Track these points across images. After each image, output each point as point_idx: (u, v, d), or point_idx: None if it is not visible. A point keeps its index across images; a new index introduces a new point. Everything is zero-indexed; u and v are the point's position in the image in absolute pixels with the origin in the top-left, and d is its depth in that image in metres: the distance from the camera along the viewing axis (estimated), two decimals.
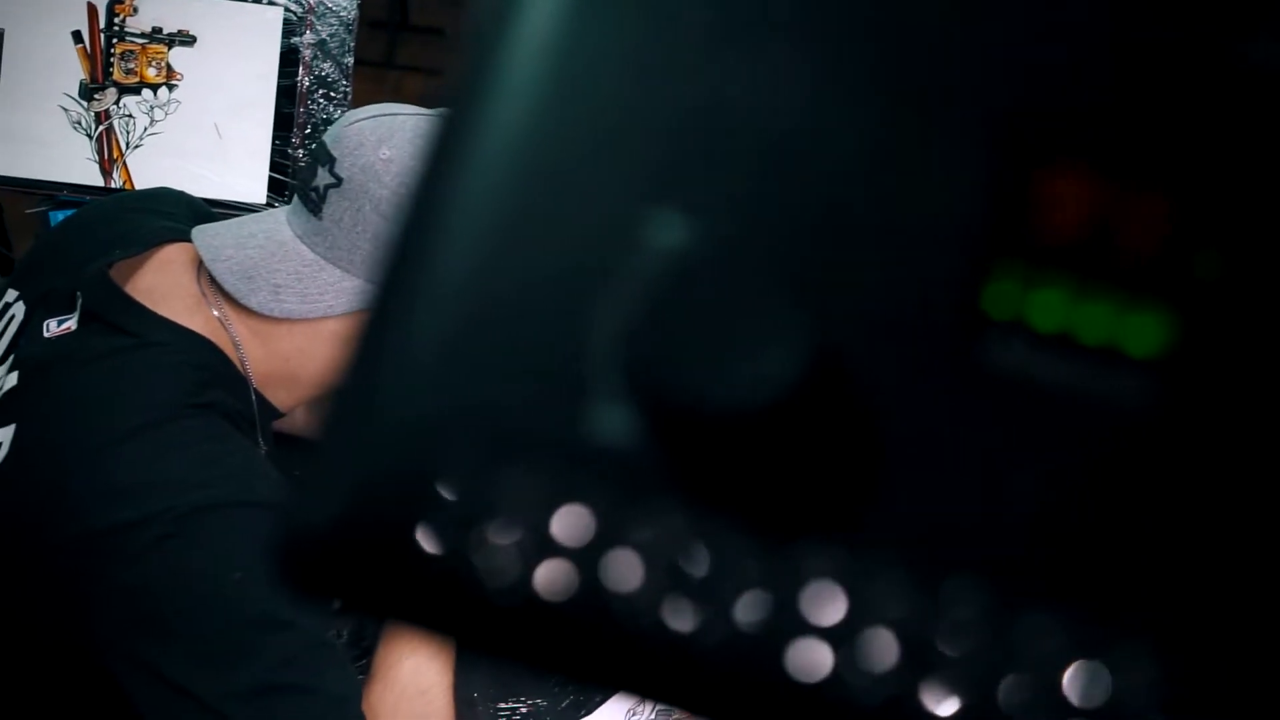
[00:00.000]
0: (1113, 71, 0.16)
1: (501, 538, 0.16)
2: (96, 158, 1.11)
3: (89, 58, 1.10)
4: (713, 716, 0.17)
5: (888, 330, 0.15)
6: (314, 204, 0.83)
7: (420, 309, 0.17)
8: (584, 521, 0.16)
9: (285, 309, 0.82)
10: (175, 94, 1.12)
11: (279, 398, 0.89)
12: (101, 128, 1.11)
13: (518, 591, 0.16)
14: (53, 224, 1.19)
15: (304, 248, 0.83)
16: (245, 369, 0.85)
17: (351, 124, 0.83)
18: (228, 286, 0.82)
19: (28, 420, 0.77)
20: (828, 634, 0.16)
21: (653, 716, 0.97)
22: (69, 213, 1.18)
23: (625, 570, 0.16)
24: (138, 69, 1.11)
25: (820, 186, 0.16)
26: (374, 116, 0.84)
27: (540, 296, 0.16)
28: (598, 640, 0.16)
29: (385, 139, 0.81)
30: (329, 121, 1.14)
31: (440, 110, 0.18)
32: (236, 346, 0.84)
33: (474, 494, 0.16)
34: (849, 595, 0.15)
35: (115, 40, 1.11)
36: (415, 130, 0.83)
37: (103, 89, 1.11)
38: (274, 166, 1.13)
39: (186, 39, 1.12)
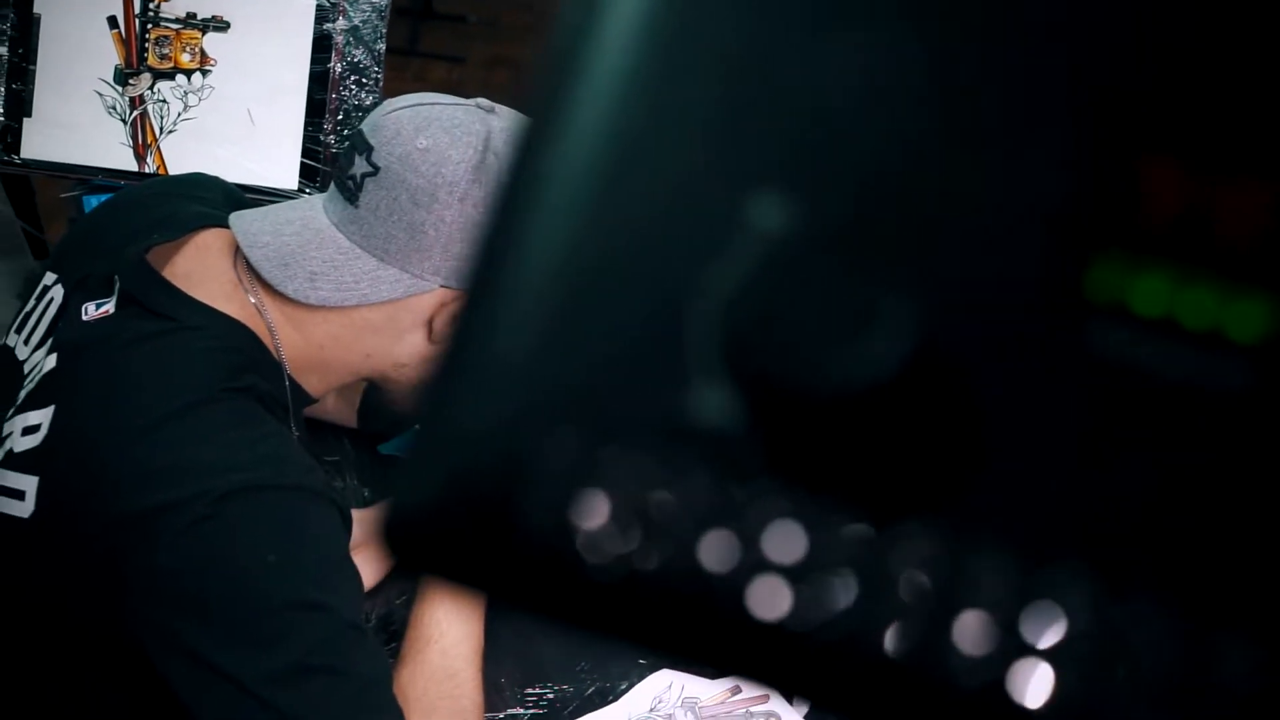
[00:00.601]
0: (1218, 58, 0.16)
1: (600, 517, 0.16)
2: (131, 143, 1.12)
3: (124, 43, 1.11)
4: (806, 697, 0.17)
5: (989, 314, 0.15)
6: (351, 192, 0.83)
7: (520, 290, 0.17)
8: (684, 502, 0.16)
9: (320, 296, 0.82)
10: (209, 79, 1.12)
11: (311, 383, 0.90)
12: (136, 113, 1.12)
13: (615, 570, 0.16)
14: (87, 208, 1.20)
15: (340, 235, 0.83)
16: (280, 354, 0.85)
17: (389, 113, 0.83)
18: (264, 273, 0.82)
19: (66, 402, 0.78)
20: (921, 616, 0.16)
21: (679, 702, 0.97)
22: (103, 197, 1.19)
23: (722, 551, 0.16)
24: (172, 54, 1.11)
25: (922, 169, 0.16)
26: (412, 106, 0.84)
27: (641, 278, 0.17)
28: (692, 619, 0.16)
29: (423, 128, 0.82)
30: (360, 108, 1.14)
31: (534, 93, 0.18)
32: (271, 332, 0.84)
33: (575, 473, 0.16)
34: (946, 580, 0.15)
35: (150, 26, 1.11)
36: (452, 120, 0.83)
37: (137, 74, 1.11)
38: (306, 152, 1.14)
39: (220, 24, 1.12)
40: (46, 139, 1.11)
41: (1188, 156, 0.16)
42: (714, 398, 0.16)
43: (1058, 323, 0.15)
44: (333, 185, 0.87)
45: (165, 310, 0.81)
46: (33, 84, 1.10)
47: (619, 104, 0.17)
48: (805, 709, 0.98)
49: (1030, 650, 0.15)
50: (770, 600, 0.16)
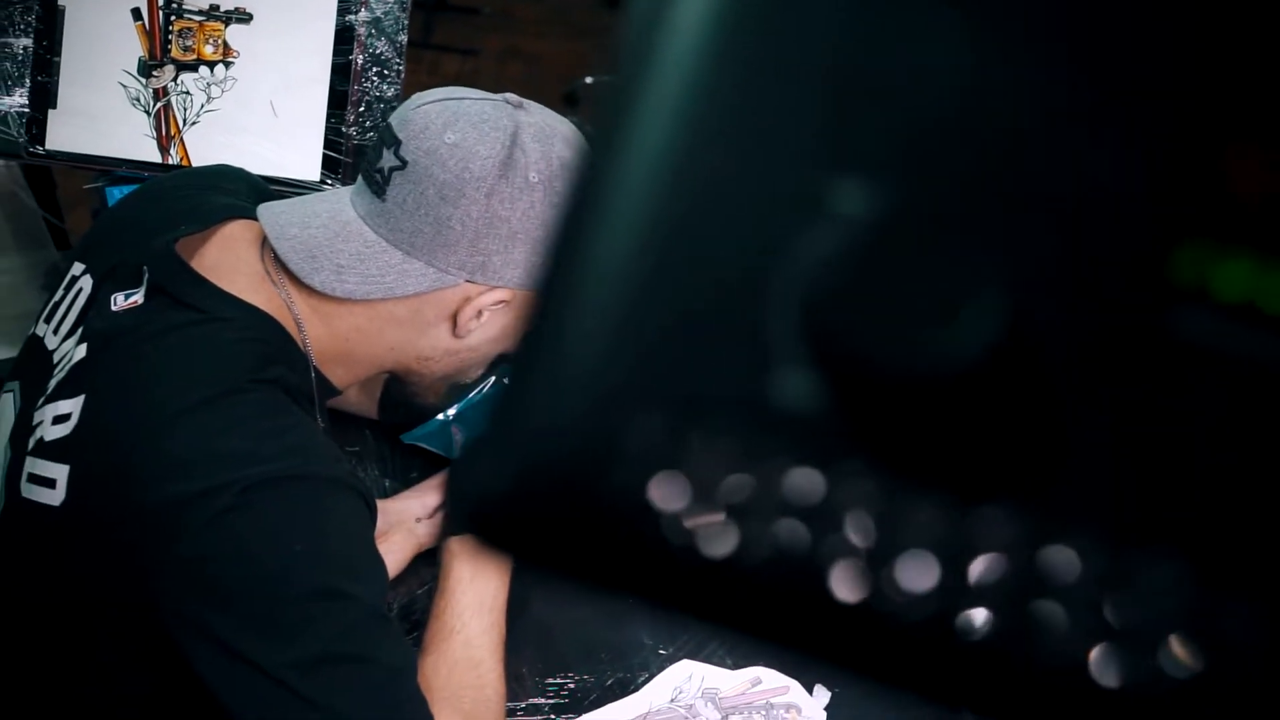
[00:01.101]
0: None
1: (683, 500, 0.16)
2: (154, 134, 1.12)
3: (148, 35, 1.12)
4: (881, 680, 0.17)
5: (1072, 298, 0.16)
6: (378, 186, 0.83)
7: (603, 274, 0.17)
8: (766, 485, 0.16)
9: (347, 289, 0.83)
10: (231, 71, 1.13)
11: (337, 375, 0.90)
12: (159, 104, 1.12)
13: (697, 550, 0.16)
14: (109, 200, 1.20)
15: (367, 229, 0.84)
16: (306, 346, 0.86)
17: (418, 107, 0.84)
18: (292, 265, 0.83)
19: (96, 392, 0.78)
20: (1003, 599, 0.16)
21: (699, 693, 0.97)
22: (126, 188, 1.20)
23: (804, 533, 0.16)
24: (195, 46, 1.12)
25: (1007, 154, 0.16)
26: (441, 100, 0.84)
27: (722, 262, 0.17)
28: (773, 601, 0.16)
29: (451, 123, 0.82)
30: (382, 99, 1.14)
31: (612, 79, 0.19)
32: (298, 324, 0.85)
33: (658, 456, 0.16)
34: (1028, 564, 0.15)
35: (173, 18, 1.12)
36: (481, 115, 0.83)
37: (161, 66, 1.12)
38: (328, 144, 1.14)
39: (243, 16, 1.13)
40: (71, 130, 1.12)
41: (1272, 144, 0.16)
42: (796, 381, 0.16)
43: (1141, 307, 0.16)
44: (360, 178, 0.87)
45: (194, 301, 0.81)
46: (57, 76, 1.11)
47: (699, 88, 0.17)
48: (826, 699, 0.98)
49: (1112, 634, 0.16)
50: (851, 582, 0.16)
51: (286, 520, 0.74)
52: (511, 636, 0.93)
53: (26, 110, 1.11)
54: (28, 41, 1.10)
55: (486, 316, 0.88)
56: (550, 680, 0.97)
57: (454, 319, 0.88)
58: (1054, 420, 0.16)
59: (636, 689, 0.97)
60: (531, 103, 0.89)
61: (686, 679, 0.98)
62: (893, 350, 0.15)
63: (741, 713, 0.96)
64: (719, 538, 0.16)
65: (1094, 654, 0.16)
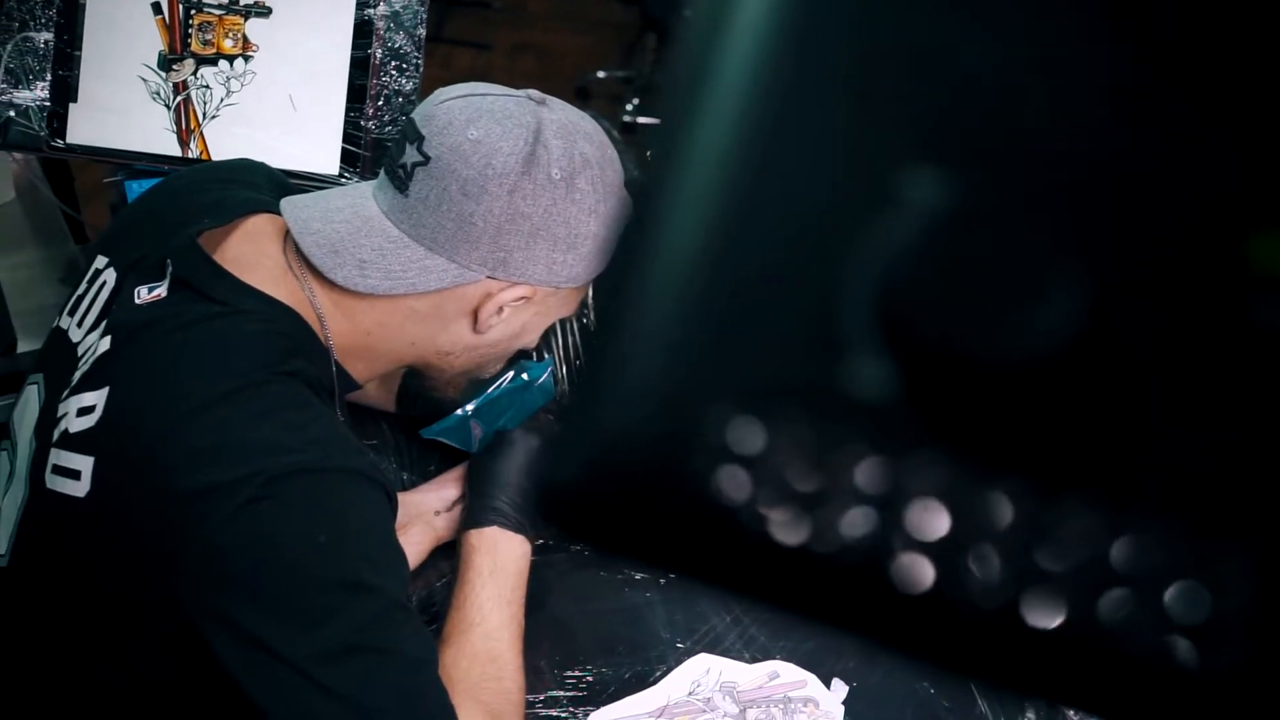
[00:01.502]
0: None
1: (756, 488, 0.16)
2: (174, 128, 1.13)
3: (167, 29, 1.12)
4: (950, 667, 0.18)
5: (1151, 285, 0.16)
6: (401, 181, 0.83)
7: (675, 267, 0.17)
8: (840, 473, 0.16)
9: (369, 284, 0.83)
10: (251, 65, 1.13)
11: (357, 369, 0.91)
12: (179, 98, 1.13)
13: (769, 538, 0.16)
14: (129, 193, 1.21)
15: (389, 224, 0.84)
16: (327, 340, 0.86)
17: (441, 103, 0.84)
18: (314, 260, 0.83)
19: (120, 384, 0.79)
20: (1072, 589, 0.16)
21: (717, 686, 0.98)
22: (145, 182, 1.20)
23: (876, 523, 0.16)
24: (215, 40, 1.12)
25: (1084, 144, 0.16)
26: (464, 96, 0.84)
27: (798, 253, 0.17)
28: (840, 588, 0.16)
29: (474, 119, 0.82)
30: (400, 93, 1.15)
31: (680, 65, 0.19)
32: (320, 318, 0.85)
33: (730, 445, 0.16)
34: (1107, 553, 0.15)
35: (193, 12, 1.12)
36: (504, 112, 0.83)
37: (180, 60, 1.12)
38: (346, 138, 1.14)
39: (262, 10, 1.13)
40: (91, 124, 1.12)
41: None
42: (870, 370, 0.16)
43: (1218, 295, 0.16)
44: (382, 173, 0.87)
45: (217, 294, 0.82)
46: (78, 70, 1.11)
47: (766, 77, 0.17)
48: (844, 693, 0.98)
49: (1180, 629, 0.16)
50: (916, 574, 0.16)
51: (310, 512, 0.74)
52: (530, 630, 0.93)
53: (47, 104, 1.12)
54: (49, 36, 1.10)
55: (507, 312, 0.88)
56: (568, 673, 0.97)
57: (475, 314, 0.88)
58: (1133, 408, 0.16)
59: (654, 682, 0.97)
60: (554, 99, 0.89)
61: (704, 672, 0.99)
62: (969, 338, 0.15)
63: (759, 706, 0.97)
64: (791, 526, 0.16)
65: (1171, 643, 0.16)
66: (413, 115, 0.86)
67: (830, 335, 0.16)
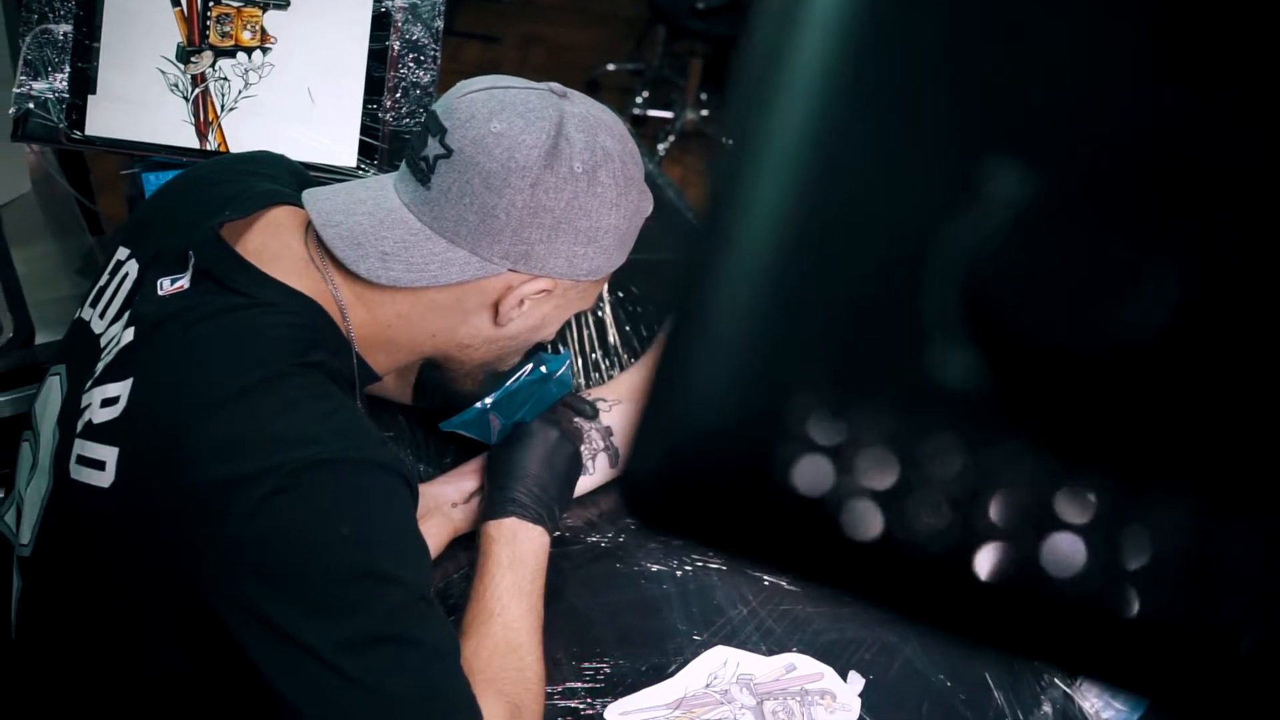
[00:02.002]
0: None
1: (841, 477, 0.16)
2: (192, 120, 1.13)
3: (186, 21, 1.12)
4: (1028, 656, 0.18)
5: (1242, 276, 0.16)
6: (423, 173, 0.83)
7: (759, 258, 0.17)
8: (926, 463, 0.16)
9: (392, 277, 0.83)
10: (269, 57, 1.13)
11: (377, 361, 0.91)
12: (197, 90, 1.13)
13: (850, 528, 0.16)
14: (145, 185, 1.21)
15: (411, 216, 0.84)
16: (349, 332, 0.86)
17: (464, 95, 0.84)
18: (337, 252, 0.83)
19: (144, 375, 0.79)
20: (1164, 587, 0.16)
21: (734, 679, 0.98)
22: (163, 174, 1.20)
23: (963, 511, 0.16)
24: (233, 32, 1.12)
25: (1171, 136, 0.16)
26: (487, 89, 0.84)
27: (882, 244, 0.17)
28: (926, 579, 0.17)
29: (497, 112, 0.82)
30: (418, 85, 1.15)
31: (752, 58, 0.19)
32: (341, 310, 0.85)
33: (815, 435, 0.16)
34: (1196, 550, 0.15)
35: (211, 4, 1.12)
36: (526, 105, 0.83)
37: (199, 52, 1.12)
38: (364, 130, 1.14)
39: (280, 2, 1.13)
40: (110, 116, 1.12)
41: None
42: (955, 359, 0.16)
43: None
44: (404, 165, 0.87)
45: (239, 286, 0.82)
46: (97, 62, 1.11)
47: (850, 67, 0.17)
48: (860, 686, 0.99)
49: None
50: (1001, 563, 0.16)
51: (333, 503, 0.75)
52: (548, 621, 0.94)
53: (66, 96, 1.12)
54: (68, 28, 1.10)
55: (528, 305, 0.89)
56: (586, 665, 0.98)
57: (495, 307, 0.88)
58: (1224, 401, 0.16)
59: (671, 674, 0.98)
60: (575, 92, 0.89)
61: (721, 664, 0.99)
62: (1054, 328, 0.15)
63: (776, 698, 0.97)
64: (871, 516, 0.17)
65: (1256, 634, 0.16)
66: (434, 108, 0.86)
67: (918, 326, 0.16)
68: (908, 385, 0.16)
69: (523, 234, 0.83)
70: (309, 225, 0.87)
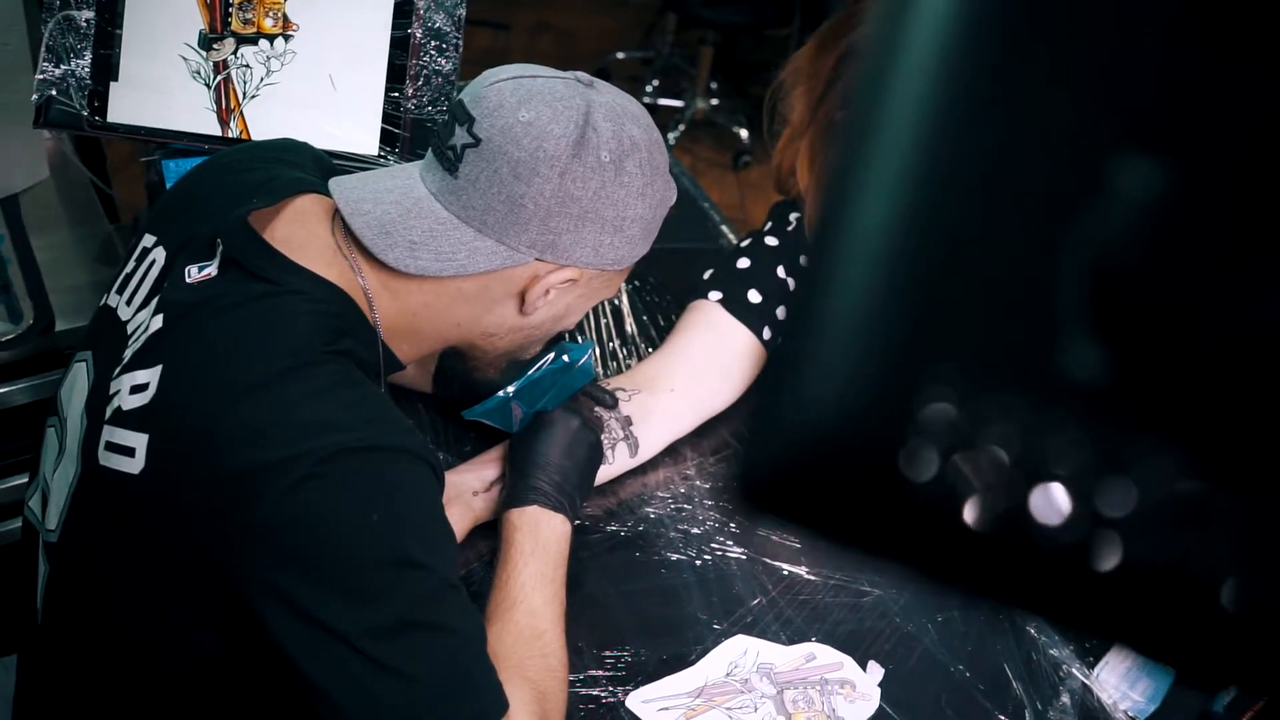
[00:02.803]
0: None
1: (969, 469, 0.16)
2: (214, 107, 1.13)
3: (208, 8, 1.12)
4: (1164, 657, 0.18)
5: None
6: (450, 163, 0.83)
7: (888, 244, 0.17)
8: (1059, 456, 0.16)
9: (420, 266, 0.83)
10: (291, 45, 1.13)
11: (402, 350, 0.91)
12: (219, 78, 1.13)
13: (986, 521, 0.16)
14: (165, 172, 1.21)
15: (438, 205, 0.84)
16: (375, 321, 0.86)
17: (491, 84, 0.84)
18: (366, 241, 0.83)
19: (174, 362, 0.79)
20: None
21: (754, 668, 0.98)
22: (182, 161, 1.20)
23: (1097, 503, 0.16)
24: (255, 19, 1.12)
25: None
26: (514, 78, 0.84)
27: (1010, 237, 0.17)
28: (1053, 572, 0.17)
29: (525, 101, 0.82)
30: (440, 73, 1.15)
31: (878, 49, 0.19)
32: (368, 298, 0.86)
33: (945, 427, 0.16)
34: None
35: None
36: (554, 94, 0.83)
37: (221, 39, 1.12)
38: (386, 118, 1.14)
39: None
40: (132, 103, 1.12)
41: None
42: (1084, 353, 0.16)
43: None
44: (430, 154, 0.87)
45: (267, 274, 0.82)
46: (119, 48, 1.11)
47: (980, 60, 0.17)
48: (879, 676, 0.99)
49: None
50: (1128, 559, 0.16)
51: (363, 490, 0.75)
52: (568, 610, 0.94)
53: (88, 82, 1.12)
54: (90, 14, 1.10)
55: (553, 295, 0.89)
56: (607, 653, 0.98)
57: (521, 296, 0.88)
58: None
59: (692, 663, 0.98)
60: (601, 81, 0.89)
61: (742, 654, 0.99)
62: (1185, 322, 0.15)
63: (796, 687, 0.97)
64: (998, 509, 0.17)
65: None
66: (461, 97, 0.86)
67: (1049, 319, 0.16)
68: (1037, 378, 0.16)
69: (550, 223, 0.84)
70: (335, 213, 0.88)
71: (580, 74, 0.88)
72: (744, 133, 3.92)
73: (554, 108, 0.82)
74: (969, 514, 0.16)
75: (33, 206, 1.46)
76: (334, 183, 0.87)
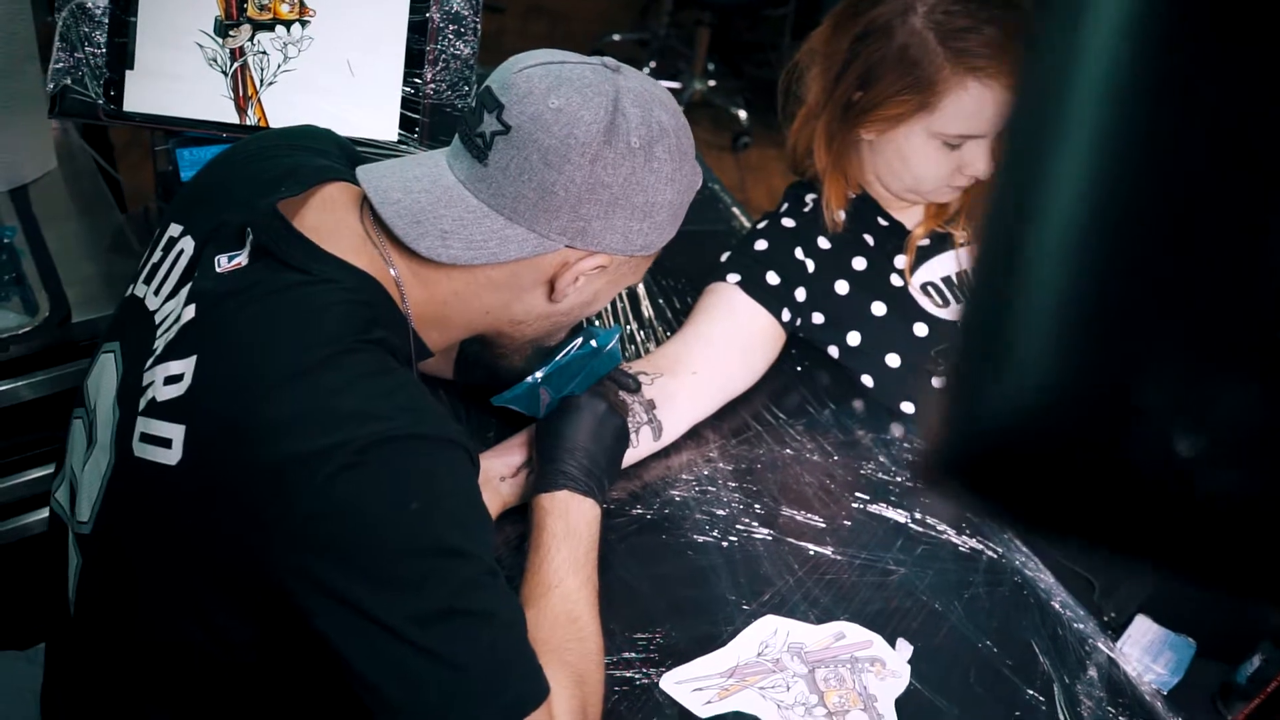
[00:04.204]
0: None
1: (1198, 450, 0.16)
2: (231, 95, 1.12)
3: None
4: None
5: None
6: (479, 150, 0.83)
7: (1099, 224, 0.17)
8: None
9: (452, 254, 0.83)
10: (308, 30, 1.12)
11: (431, 338, 0.91)
12: (236, 65, 1.12)
13: (1215, 505, 0.16)
14: (180, 160, 1.20)
15: (468, 193, 0.84)
16: (406, 309, 0.86)
17: (519, 71, 0.83)
18: (397, 230, 0.83)
19: (208, 352, 0.79)
20: None
21: (785, 647, 0.99)
22: (197, 150, 1.20)
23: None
24: (271, 5, 1.11)
25: None
26: (543, 64, 0.84)
27: (1228, 213, 0.17)
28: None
29: (554, 88, 0.82)
30: (458, 57, 1.14)
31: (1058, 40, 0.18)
32: (399, 287, 0.85)
33: (1172, 407, 0.16)
34: None
35: None
36: (583, 80, 0.83)
37: (237, 26, 1.11)
38: (404, 103, 1.14)
39: None
40: (148, 91, 1.11)
41: None
42: None
43: None
44: (456, 141, 0.87)
45: (299, 263, 0.82)
46: (134, 36, 1.10)
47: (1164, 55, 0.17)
48: (909, 653, 1.00)
49: None
50: None
51: (402, 479, 0.75)
52: (600, 592, 0.95)
53: (104, 71, 1.11)
54: (104, 2, 1.09)
55: (582, 281, 0.89)
56: (639, 635, 0.99)
57: (550, 283, 0.88)
58: None
59: (723, 644, 0.99)
60: (626, 66, 0.89)
61: (772, 633, 1.00)
62: None
63: (827, 666, 0.98)
64: (1233, 491, 0.17)
65: None
66: (489, 83, 0.85)
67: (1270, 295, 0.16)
68: (1264, 358, 0.16)
69: (580, 210, 0.83)
70: (363, 202, 0.87)
71: (607, 59, 0.88)
72: (742, 113, 3.91)
73: (584, 94, 0.82)
74: (1201, 495, 0.16)
75: (42, 198, 1.45)
76: (362, 171, 0.87)
